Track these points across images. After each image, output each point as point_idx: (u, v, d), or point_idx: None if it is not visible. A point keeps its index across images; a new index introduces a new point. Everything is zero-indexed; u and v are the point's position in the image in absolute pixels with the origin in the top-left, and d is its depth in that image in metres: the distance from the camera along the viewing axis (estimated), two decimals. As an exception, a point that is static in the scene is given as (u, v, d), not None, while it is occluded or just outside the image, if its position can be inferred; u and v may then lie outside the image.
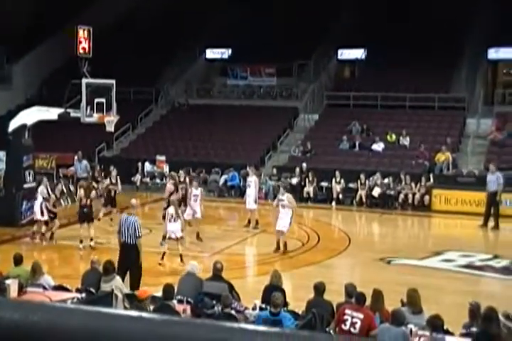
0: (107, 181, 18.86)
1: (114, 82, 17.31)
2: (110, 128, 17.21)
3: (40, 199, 16.14)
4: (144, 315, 2.23)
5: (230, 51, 33.24)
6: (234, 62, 32.43)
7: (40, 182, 16.82)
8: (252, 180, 18.59)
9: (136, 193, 23.29)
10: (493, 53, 29.27)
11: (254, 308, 8.86)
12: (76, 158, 23.01)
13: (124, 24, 34.49)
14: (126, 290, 9.67)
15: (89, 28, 17.73)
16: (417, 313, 8.00)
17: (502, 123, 26.06)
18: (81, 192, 15.62)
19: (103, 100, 16.80)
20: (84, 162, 22.22)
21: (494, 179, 19.21)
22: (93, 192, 15.88)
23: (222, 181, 24.92)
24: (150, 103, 31.69)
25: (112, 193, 18.40)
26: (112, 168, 19.51)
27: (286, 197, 15.35)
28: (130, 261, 11.35)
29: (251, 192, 18.25)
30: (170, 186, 17.48)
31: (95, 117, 16.78)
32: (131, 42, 33.31)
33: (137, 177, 25.82)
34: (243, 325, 2.17)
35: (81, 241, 15.25)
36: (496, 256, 15.14)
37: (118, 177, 18.95)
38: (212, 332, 2.07)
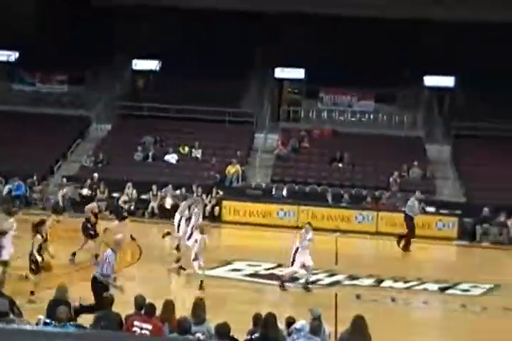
0: None
1: None
2: None
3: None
4: None
5: (17, 54, 31.53)
6: (21, 66, 30.87)
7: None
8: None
9: None
10: (279, 72, 31.01)
11: (37, 323, 8.44)
12: None
13: None
14: None
15: None
16: (199, 324, 8.08)
17: (286, 139, 27.65)
18: None
19: None
20: None
21: (417, 204, 20.05)
22: None
23: (6, 191, 23.60)
24: None
25: None
26: None
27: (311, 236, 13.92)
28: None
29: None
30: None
31: None
32: None
33: None
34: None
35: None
36: (279, 265, 15.92)
37: None
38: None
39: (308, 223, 14.69)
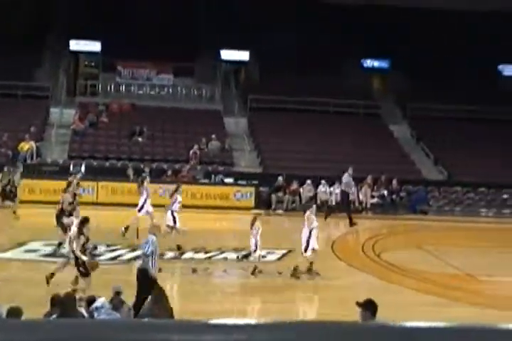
0: None
1: None
2: None
3: None
4: None
5: None
6: None
7: None
8: None
9: None
10: (75, 45, 29.92)
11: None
12: None
13: None
14: None
15: None
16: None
17: (84, 114, 26.90)
18: None
19: None
20: None
21: (351, 180, 20.10)
22: None
23: None
24: None
25: None
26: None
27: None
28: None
29: None
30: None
31: None
32: None
33: None
34: None
35: None
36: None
37: None
38: None
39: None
